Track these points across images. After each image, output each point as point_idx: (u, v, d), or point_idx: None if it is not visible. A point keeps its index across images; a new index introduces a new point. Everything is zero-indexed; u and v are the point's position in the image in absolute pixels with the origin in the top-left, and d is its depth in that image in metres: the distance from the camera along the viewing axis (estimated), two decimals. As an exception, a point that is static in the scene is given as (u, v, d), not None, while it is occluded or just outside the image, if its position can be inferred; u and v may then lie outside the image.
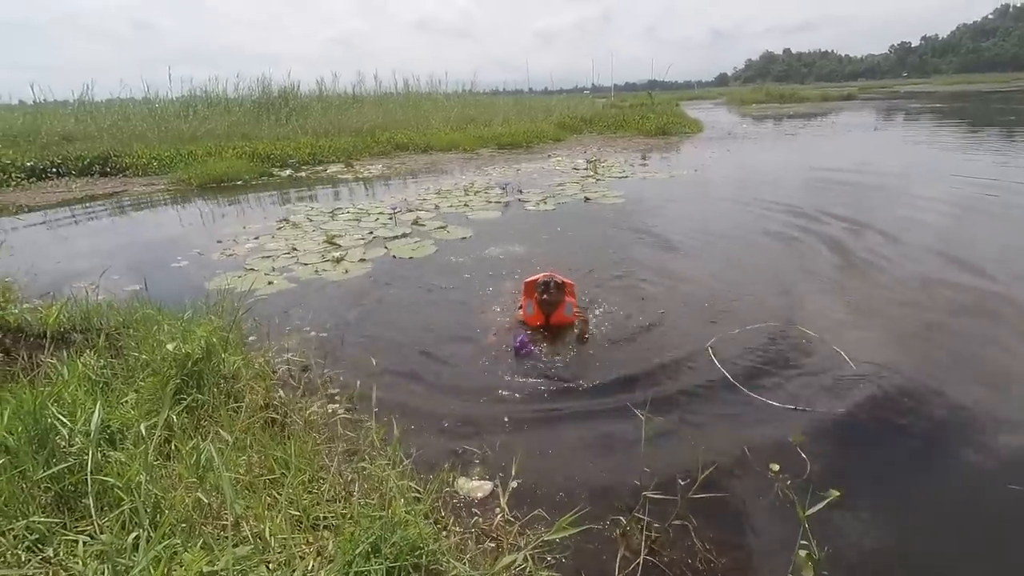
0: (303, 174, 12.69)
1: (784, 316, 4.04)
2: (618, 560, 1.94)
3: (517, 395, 3.13)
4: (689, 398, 3.08)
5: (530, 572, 1.83)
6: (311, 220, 7.72)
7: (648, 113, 22.04)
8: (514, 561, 1.76)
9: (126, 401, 2.44)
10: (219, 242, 6.71)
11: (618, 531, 2.12)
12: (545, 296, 3.78)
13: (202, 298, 3.67)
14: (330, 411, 2.85)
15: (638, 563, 1.80)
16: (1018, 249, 5.44)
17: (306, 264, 5.65)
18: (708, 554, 2.02)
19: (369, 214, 7.97)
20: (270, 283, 5.09)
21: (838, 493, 2.28)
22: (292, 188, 10.97)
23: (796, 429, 2.74)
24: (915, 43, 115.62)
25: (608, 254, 5.77)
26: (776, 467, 2.47)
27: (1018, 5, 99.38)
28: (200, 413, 2.55)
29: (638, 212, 7.71)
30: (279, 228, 7.33)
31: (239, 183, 11.56)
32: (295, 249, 6.22)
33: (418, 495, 2.01)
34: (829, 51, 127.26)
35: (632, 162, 12.99)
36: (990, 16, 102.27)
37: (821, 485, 2.19)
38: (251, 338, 3.71)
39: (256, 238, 6.82)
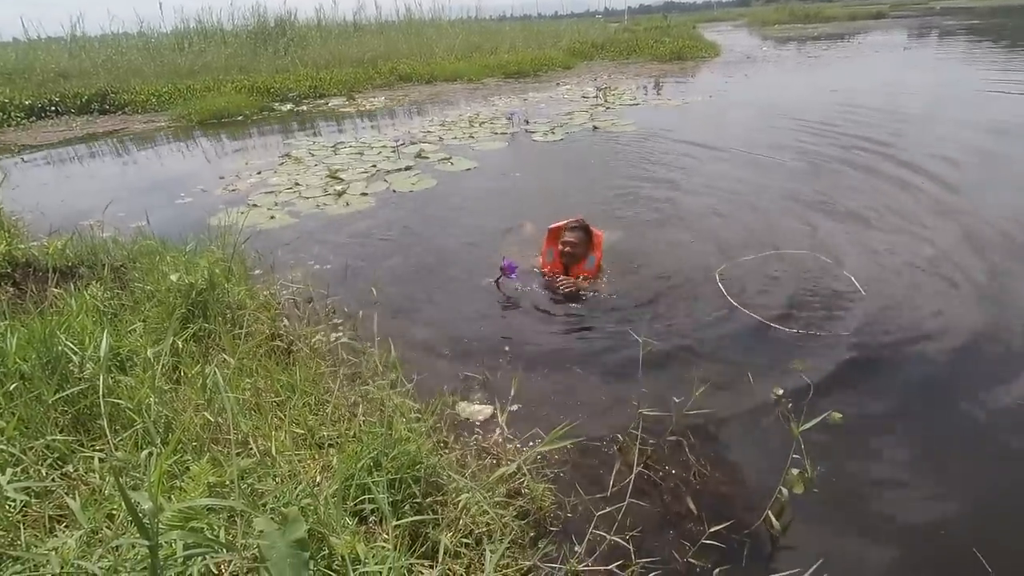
0: (304, 108, 12.35)
1: (797, 242, 3.97)
2: (614, 474, 2.01)
3: (518, 322, 3.15)
4: (694, 323, 3.08)
5: (528, 485, 1.90)
6: (313, 155, 7.58)
7: (663, 37, 20.87)
8: (511, 472, 1.83)
9: (133, 330, 2.49)
10: (222, 178, 6.64)
11: (615, 447, 2.19)
12: (568, 248, 3.43)
13: (205, 232, 3.67)
14: (333, 339, 2.89)
15: (632, 476, 1.85)
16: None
17: (308, 198, 5.60)
18: (702, 468, 2.08)
19: (372, 147, 7.80)
20: (272, 218, 5.06)
21: (839, 415, 2.32)
22: (294, 122, 10.72)
23: (803, 354, 2.74)
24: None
25: (616, 183, 5.63)
26: (780, 391, 2.49)
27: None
28: (208, 342, 2.61)
29: (648, 140, 7.45)
30: (281, 163, 7.21)
31: (239, 118, 11.30)
32: (297, 184, 6.14)
33: (419, 415, 2.07)
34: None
35: (644, 89, 12.44)
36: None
37: (823, 408, 2.22)
38: (255, 271, 3.74)
39: (258, 173, 6.73)
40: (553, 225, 3.52)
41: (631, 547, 1.69)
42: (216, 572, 1.38)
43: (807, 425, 1.80)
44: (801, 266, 3.62)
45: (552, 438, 1.72)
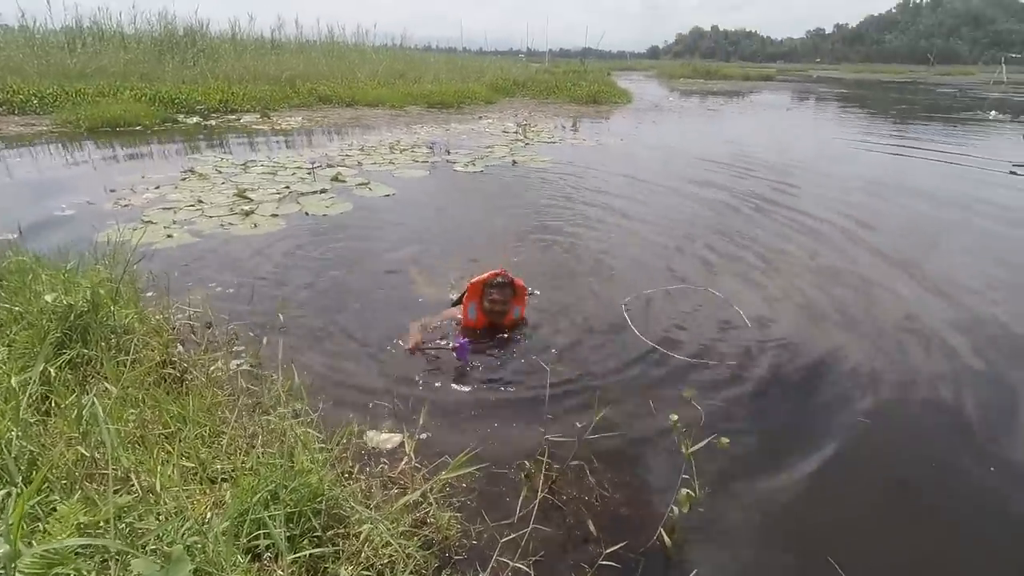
0: (213, 123, 11.73)
1: (695, 277, 4.31)
2: (520, 499, 2.05)
3: (428, 353, 3.15)
4: (600, 353, 3.24)
5: (433, 514, 1.90)
6: (220, 172, 7.20)
7: (580, 80, 22.08)
8: (415, 500, 1.82)
9: (-5, 356, 2.23)
10: (112, 191, 6.12)
11: (522, 474, 2.24)
12: (497, 307, 3.26)
13: (89, 249, 3.36)
14: (233, 367, 2.75)
15: (536, 502, 1.91)
16: (915, 222, 6.06)
17: (212, 217, 5.30)
18: (602, 490, 2.18)
19: (286, 168, 7.55)
20: (169, 236, 4.74)
21: (726, 440, 2.52)
22: (200, 137, 10.14)
23: (696, 381, 2.97)
24: (829, 30, 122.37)
25: (532, 217, 5.84)
26: (675, 416, 2.66)
27: (917, 1, 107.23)
28: (86, 369, 2.39)
29: (564, 177, 7.81)
30: (183, 179, 6.78)
31: (138, 128, 10.51)
32: (201, 201, 5.80)
33: (323, 446, 2.01)
34: (753, 31, 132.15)
35: (562, 128, 13.06)
36: (892, 10, 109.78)
37: (713, 432, 2.41)
38: (148, 293, 3.47)
39: (157, 188, 6.28)
40: (475, 280, 3.30)
41: (532, 572, 1.73)
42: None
43: (695, 448, 1.95)
44: (697, 300, 3.94)
45: (456, 464, 1.74)
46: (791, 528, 2.10)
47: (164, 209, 5.49)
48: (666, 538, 1.93)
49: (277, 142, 9.94)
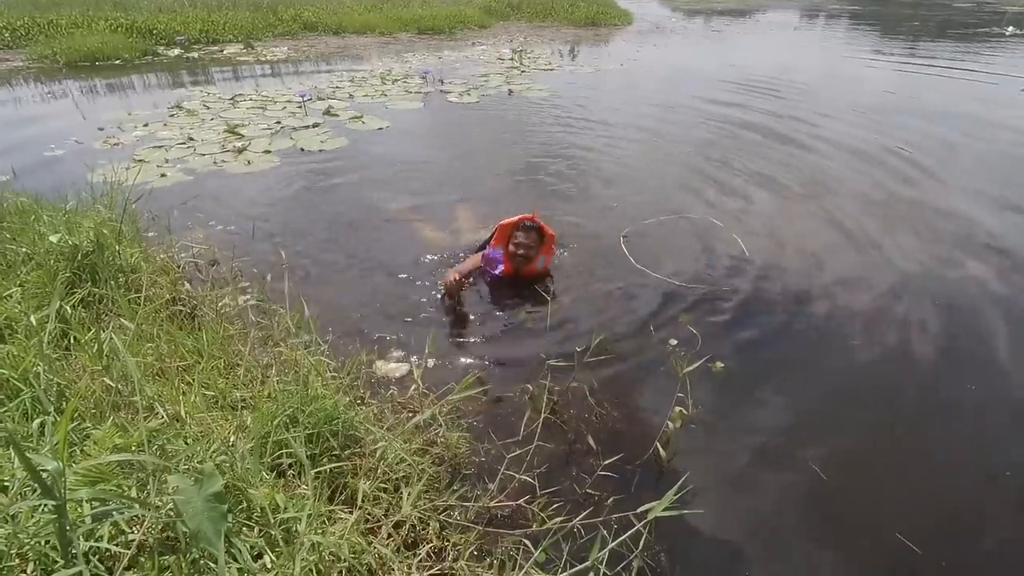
0: (195, 55, 11.21)
1: (695, 207, 4.31)
2: (524, 420, 2.17)
3: (432, 284, 3.20)
4: (600, 282, 3.30)
5: (443, 435, 2.02)
6: (208, 107, 6.98)
7: (578, 1, 20.87)
8: (425, 420, 1.93)
9: (9, 296, 2.28)
10: (101, 129, 5.96)
11: (526, 396, 2.35)
12: (521, 251, 3.12)
13: (86, 189, 3.34)
14: (242, 303, 2.81)
15: (539, 421, 2.02)
16: (920, 144, 5.95)
17: (204, 155, 5.20)
18: (601, 409, 2.31)
19: (275, 102, 7.31)
20: (163, 176, 4.67)
21: (721, 364, 2.62)
22: (183, 70, 9.73)
23: (693, 308, 3.04)
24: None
25: (530, 148, 5.74)
26: (673, 341, 2.77)
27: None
28: (99, 307, 2.45)
29: (562, 106, 7.58)
30: (172, 115, 6.59)
31: (117, 62, 10.07)
32: (191, 139, 5.67)
33: (335, 374, 2.10)
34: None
35: (559, 54, 12.50)
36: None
37: (708, 355, 2.52)
38: (150, 232, 3.48)
39: (145, 125, 6.12)
40: (504, 221, 3.19)
41: (537, 483, 1.86)
42: (128, 535, 1.38)
43: (689, 368, 2.05)
44: (697, 229, 3.96)
45: (464, 386, 1.83)
46: (778, 442, 2.23)
47: (155, 147, 5.38)
48: (661, 451, 2.06)
49: (263, 74, 9.56)
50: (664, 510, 1.38)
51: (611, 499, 1.90)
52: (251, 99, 7.44)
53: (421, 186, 4.72)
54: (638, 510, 1.47)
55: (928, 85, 9.19)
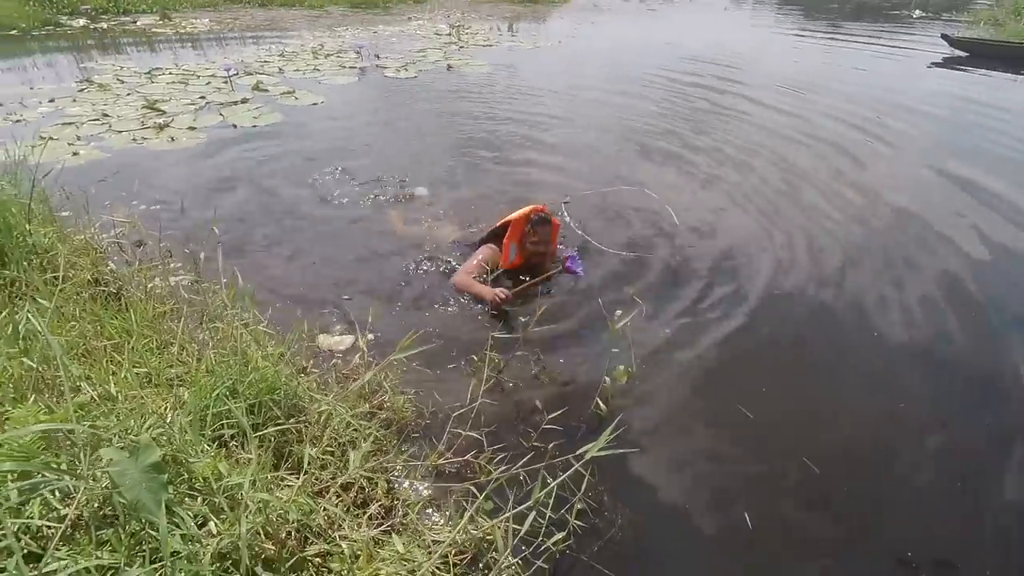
0: (104, 26, 10.37)
1: (632, 178, 4.44)
2: (471, 386, 2.22)
3: (371, 262, 3.18)
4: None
5: (390, 399, 2.04)
6: (123, 82, 6.51)
7: (516, -24, 20.63)
8: (368, 381, 1.94)
9: (-96, 280, 2.10)
10: (0, 105, 5.46)
11: (471, 367, 2.40)
12: (537, 248, 3.00)
13: (-14, 167, 3.07)
14: (174, 283, 2.70)
15: (482, 385, 2.08)
16: (840, 113, 6.32)
17: (122, 132, 4.87)
18: (546, 373, 2.39)
19: (198, 76, 6.91)
20: (76, 154, 4.36)
21: (667, 331, 2.72)
22: (91, 42, 9.00)
23: (631, 275, 3.17)
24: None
25: (470, 123, 5.71)
26: (619, 312, 2.84)
27: None
28: (11, 290, 2.29)
29: (502, 81, 7.57)
30: (81, 90, 6.11)
31: (13, 33, 9.17)
32: (106, 115, 5.29)
33: (276, 346, 2.07)
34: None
35: (498, 30, 12.39)
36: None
37: (647, 322, 2.65)
38: (64, 212, 3.25)
39: (51, 101, 5.65)
40: (515, 216, 2.99)
41: (484, 439, 1.93)
42: (60, 512, 1.34)
43: (620, 324, 2.16)
44: (633, 199, 4.08)
45: (404, 345, 1.86)
46: (710, 390, 2.39)
47: (64, 124, 5.00)
48: (601, 405, 2.17)
49: (183, 47, 8.97)
50: (600, 451, 1.47)
51: (554, 448, 1.99)
52: (171, 73, 7.00)
53: (359, 162, 4.62)
54: (576, 453, 1.55)
55: (849, 61, 9.75)
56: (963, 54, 10.38)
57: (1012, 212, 4.06)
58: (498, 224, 3.08)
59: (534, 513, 1.46)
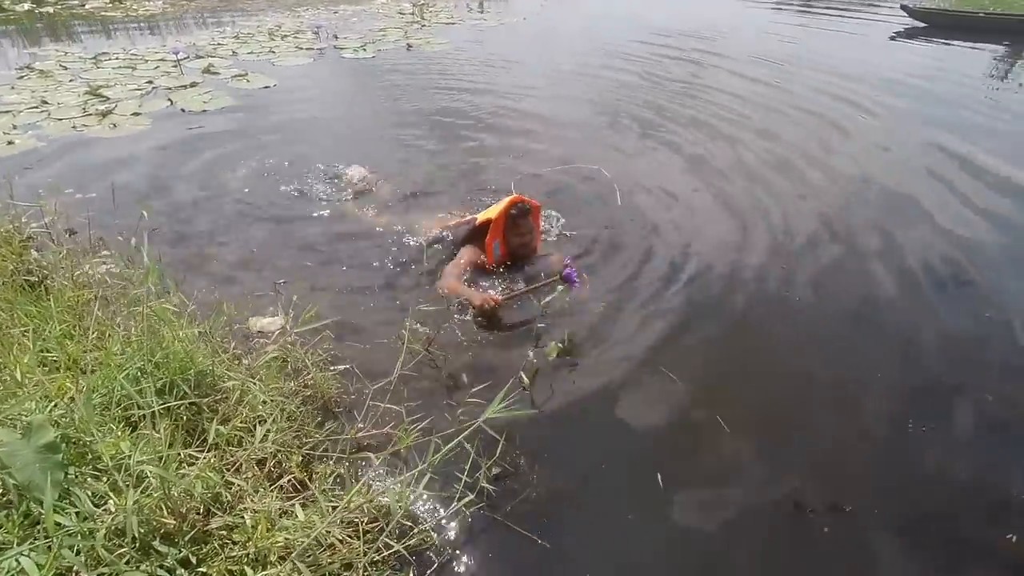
0: (50, 9, 9.98)
1: (589, 156, 4.41)
2: (400, 362, 2.24)
3: (318, 242, 3.17)
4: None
5: (314, 377, 2.06)
6: (66, 68, 6.31)
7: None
8: (297, 367, 1.96)
9: None
10: (-72, 94, 5.27)
11: (400, 342, 2.42)
12: (524, 239, 2.92)
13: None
14: (103, 271, 2.66)
15: (401, 359, 2.10)
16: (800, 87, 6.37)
17: (61, 120, 4.74)
18: (473, 345, 2.43)
19: (147, 61, 6.71)
20: (10, 143, 4.23)
21: (603, 306, 2.73)
22: (38, 26, 8.67)
23: (569, 249, 3.20)
24: None
25: (426, 103, 5.65)
26: (561, 287, 2.84)
27: None
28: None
29: (463, 61, 7.48)
30: (21, 77, 5.90)
31: (-48, 19, 8.80)
32: (45, 103, 5.13)
33: (198, 327, 2.07)
34: None
35: (467, 7, 12.20)
36: None
37: (584, 299, 2.68)
38: (-10, 203, 3.17)
39: (-13, 89, 5.46)
40: (494, 214, 2.87)
41: (403, 412, 1.96)
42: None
43: (546, 300, 2.21)
44: (586, 176, 4.09)
45: (305, 319, 1.88)
46: (640, 360, 2.43)
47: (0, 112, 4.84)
48: (525, 379, 2.22)
49: (135, 31, 8.70)
50: (496, 413, 1.52)
51: (474, 419, 2.03)
52: (118, 58, 6.79)
53: (307, 146, 4.55)
54: (484, 416, 1.60)
55: (820, 36, 9.80)
56: (922, 24, 10.51)
57: (954, 175, 4.18)
58: (477, 223, 2.97)
59: (428, 475, 1.51)
